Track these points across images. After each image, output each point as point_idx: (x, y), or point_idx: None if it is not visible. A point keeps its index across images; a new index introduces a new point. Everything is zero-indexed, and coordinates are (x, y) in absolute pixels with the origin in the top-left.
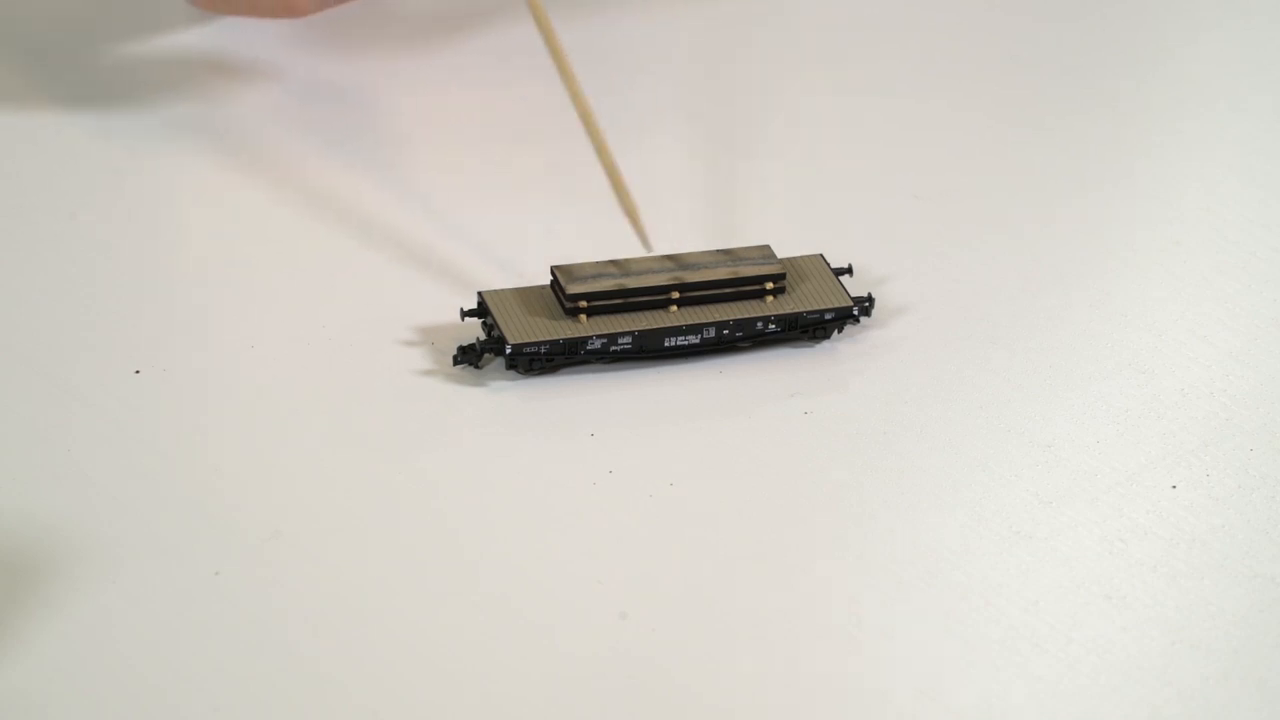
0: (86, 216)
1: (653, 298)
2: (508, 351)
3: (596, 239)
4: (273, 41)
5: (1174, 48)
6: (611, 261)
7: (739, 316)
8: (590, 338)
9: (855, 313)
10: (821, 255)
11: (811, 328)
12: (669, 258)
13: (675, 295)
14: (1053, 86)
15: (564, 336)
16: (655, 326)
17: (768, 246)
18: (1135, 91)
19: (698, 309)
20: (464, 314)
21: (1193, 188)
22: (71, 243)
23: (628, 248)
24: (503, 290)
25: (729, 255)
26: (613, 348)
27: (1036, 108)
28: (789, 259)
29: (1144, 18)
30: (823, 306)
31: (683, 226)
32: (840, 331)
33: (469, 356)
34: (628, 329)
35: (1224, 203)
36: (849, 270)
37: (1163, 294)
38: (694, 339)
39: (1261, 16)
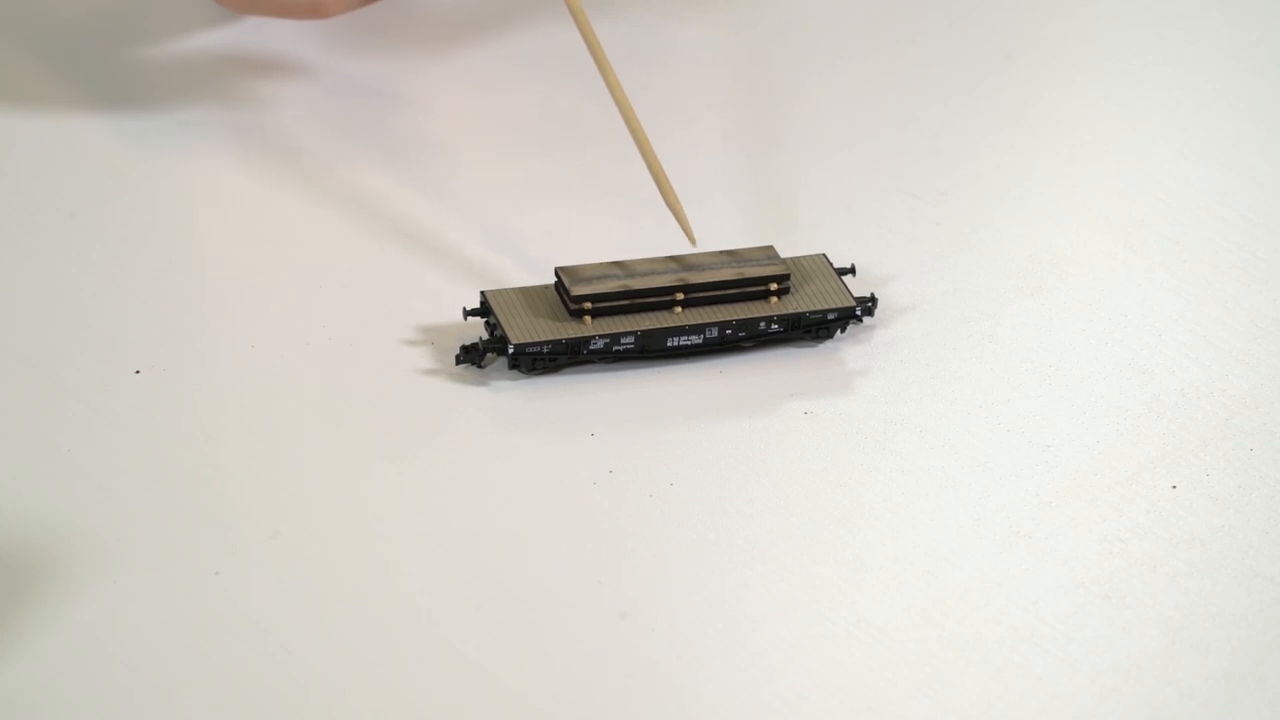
0: (86, 216)
1: (657, 299)
2: (510, 351)
3: (600, 240)
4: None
5: (1172, 47)
6: (616, 263)
7: (742, 317)
8: (593, 338)
9: (858, 313)
10: (825, 255)
11: (814, 328)
12: (673, 259)
13: (680, 296)
14: (1053, 87)
15: (567, 336)
16: (658, 326)
17: (771, 247)
18: (1136, 91)
19: (702, 310)
20: (467, 313)
21: (1192, 187)
22: (71, 243)
23: (632, 249)
24: (506, 290)
25: (733, 256)
26: (615, 348)
27: (1037, 109)
28: (792, 259)
29: (1142, 16)
30: (826, 307)
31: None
32: (843, 331)
33: (471, 356)
34: (631, 329)
35: (1224, 202)
36: (852, 270)
37: (1163, 294)
38: (697, 339)
39: (1263, 16)
